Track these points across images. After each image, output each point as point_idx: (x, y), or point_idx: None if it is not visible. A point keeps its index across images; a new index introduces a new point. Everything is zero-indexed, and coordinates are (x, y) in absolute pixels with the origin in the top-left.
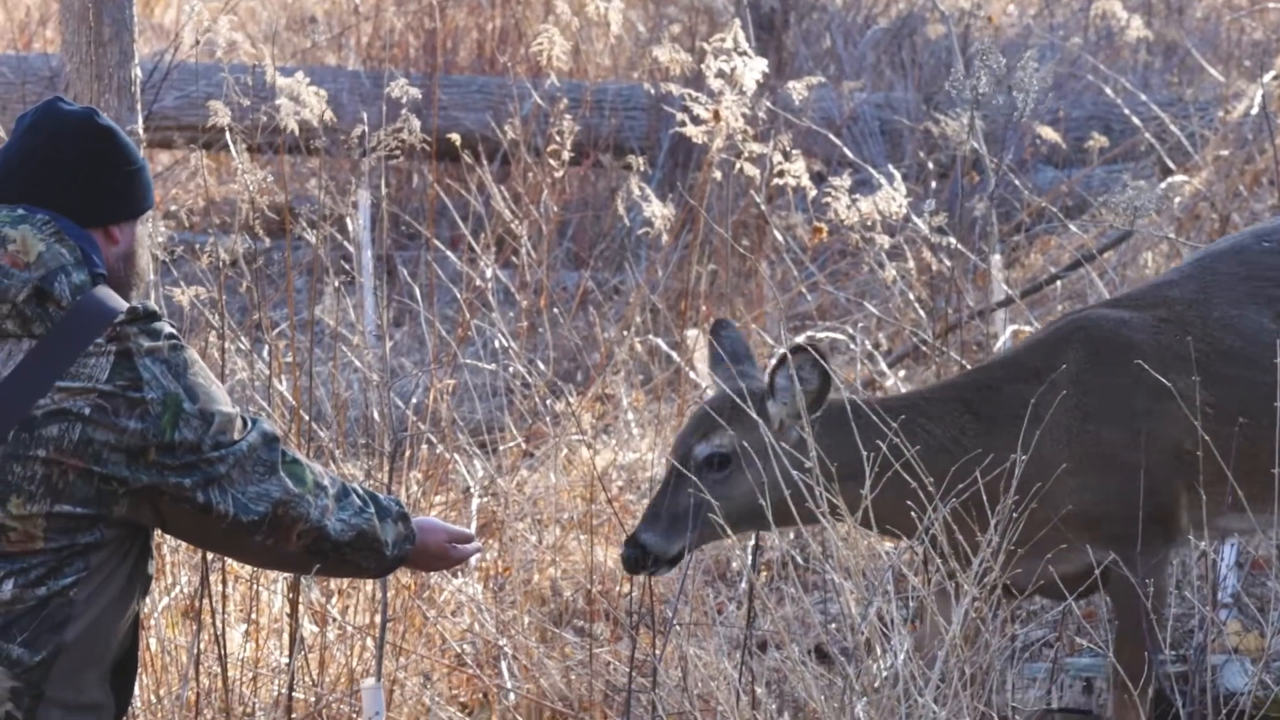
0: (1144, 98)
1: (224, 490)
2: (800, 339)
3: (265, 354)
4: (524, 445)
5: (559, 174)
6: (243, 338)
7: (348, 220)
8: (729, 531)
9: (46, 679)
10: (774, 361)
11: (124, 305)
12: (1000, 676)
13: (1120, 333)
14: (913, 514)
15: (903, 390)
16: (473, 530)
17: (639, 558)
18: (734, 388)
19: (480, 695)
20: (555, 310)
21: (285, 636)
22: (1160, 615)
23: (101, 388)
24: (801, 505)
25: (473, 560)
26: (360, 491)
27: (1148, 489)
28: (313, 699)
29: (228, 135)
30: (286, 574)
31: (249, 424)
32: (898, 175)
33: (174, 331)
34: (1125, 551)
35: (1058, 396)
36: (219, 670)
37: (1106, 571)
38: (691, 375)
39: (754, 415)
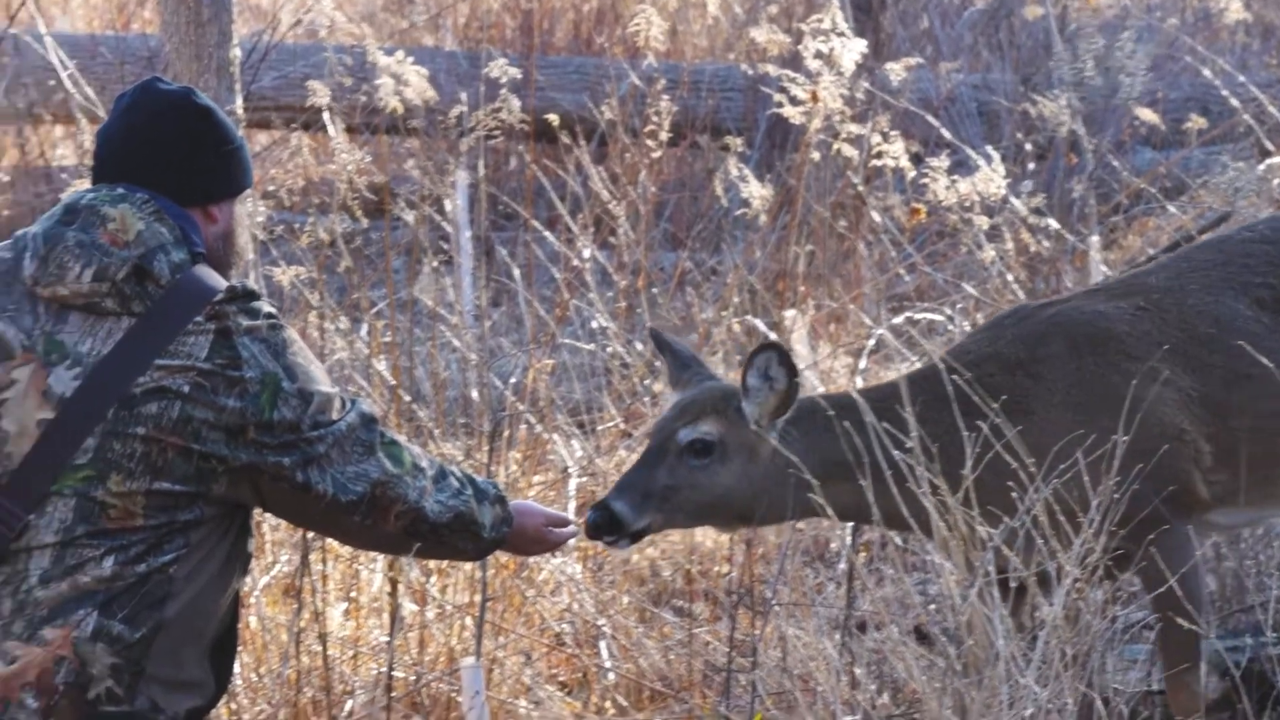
0: (1242, 79)
1: (323, 470)
2: (774, 337)
3: (364, 333)
4: (622, 425)
5: (656, 154)
6: (342, 317)
7: (445, 201)
8: (692, 521)
9: (146, 655)
10: (745, 362)
11: (223, 284)
12: (1100, 658)
13: (1097, 324)
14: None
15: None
16: (571, 511)
17: (604, 523)
18: (714, 385)
19: (579, 675)
20: (653, 291)
21: (385, 615)
22: (1195, 594)
23: (200, 366)
24: (771, 506)
25: (570, 543)
26: (458, 474)
27: (1154, 473)
28: (412, 678)
29: (326, 115)
30: (386, 554)
31: (348, 404)
32: (996, 156)
33: (273, 311)
34: (1143, 536)
35: (1044, 389)
36: (319, 649)
37: (1126, 560)
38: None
39: (738, 411)
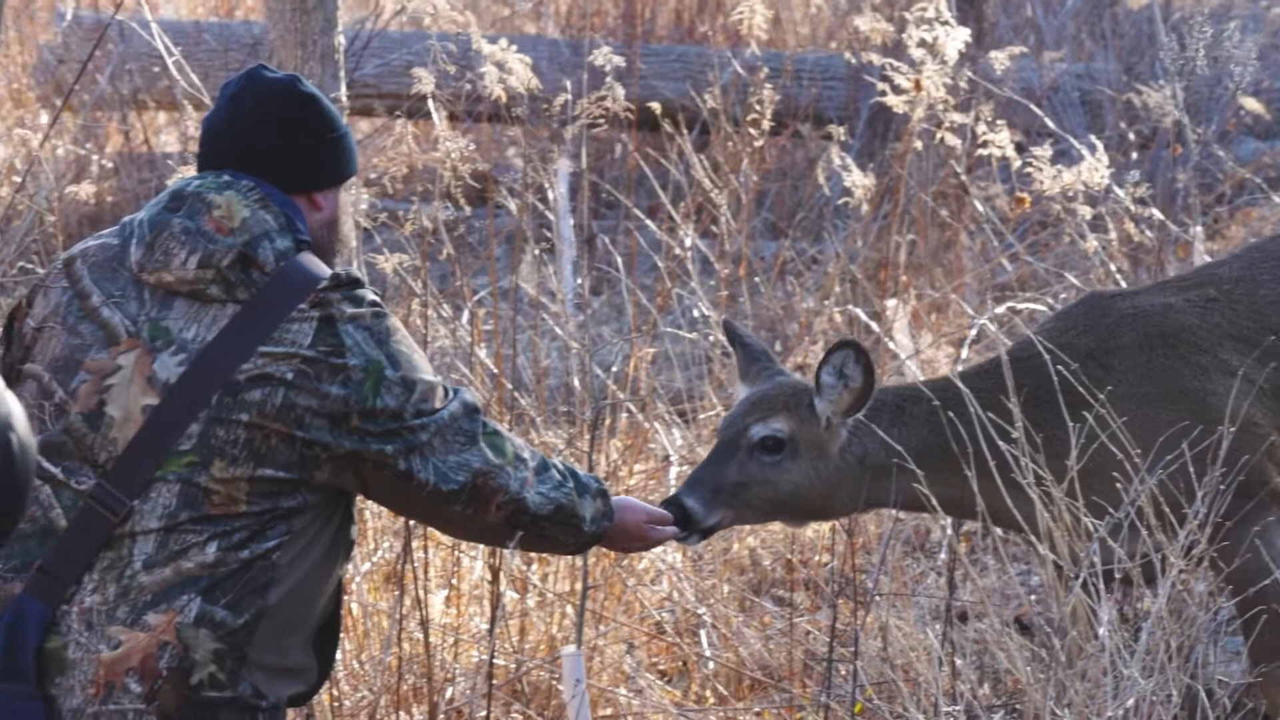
0: None
1: (425, 458)
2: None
3: (465, 321)
4: (723, 414)
5: (759, 143)
6: (444, 305)
7: (548, 189)
8: (761, 517)
9: (249, 641)
10: (821, 358)
11: (327, 271)
12: (1204, 650)
13: (1168, 316)
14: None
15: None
16: None
17: (677, 519)
18: (785, 381)
19: (679, 663)
20: (754, 279)
21: (486, 603)
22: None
23: (304, 353)
24: (840, 501)
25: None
26: (560, 466)
27: (1226, 466)
28: (513, 666)
29: (430, 103)
30: (486, 545)
31: (450, 394)
32: (1099, 146)
33: (377, 299)
34: (1219, 531)
35: (1114, 381)
36: (420, 636)
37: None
38: (891, 346)
39: (810, 408)
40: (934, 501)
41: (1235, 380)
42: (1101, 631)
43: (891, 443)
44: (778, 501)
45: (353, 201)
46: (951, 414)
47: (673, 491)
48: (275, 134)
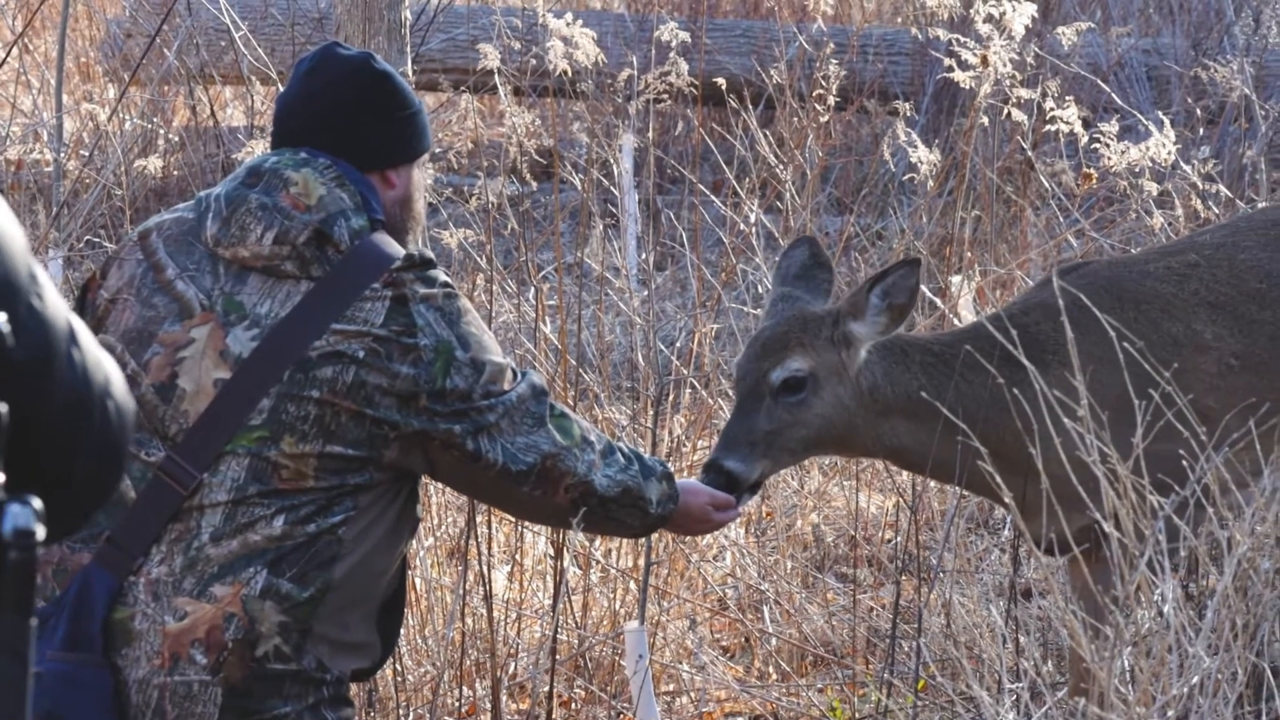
0: None
1: (493, 439)
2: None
3: (530, 297)
4: None
5: (824, 119)
6: (509, 281)
7: (612, 164)
8: (799, 457)
9: (314, 615)
10: (873, 277)
11: (401, 251)
12: (1270, 628)
13: (1143, 283)
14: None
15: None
16: None
17: (723, 484)
18: (791, 315)
19: (742, 639)
20: None
21: (549, 578)
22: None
23: (376, 332)
24: (862, 432)
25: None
26: (625, 449)
27: (1167, 436)
28: (576, 641)
29: (496, 78)
30: (551, 526)
31: (519, 376)
32: (1167, 122)
33: (449, 280)
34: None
35: (1084, 341)
36: (484, 611)
37: None
38: (956, 323)
39: (820, 335)
40: (912, 454)
41: (1204, 358)
42: (1167, 609)
43: (892, 381)
44: (810, 439)
45: (424, 178)
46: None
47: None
48: (349, 112)
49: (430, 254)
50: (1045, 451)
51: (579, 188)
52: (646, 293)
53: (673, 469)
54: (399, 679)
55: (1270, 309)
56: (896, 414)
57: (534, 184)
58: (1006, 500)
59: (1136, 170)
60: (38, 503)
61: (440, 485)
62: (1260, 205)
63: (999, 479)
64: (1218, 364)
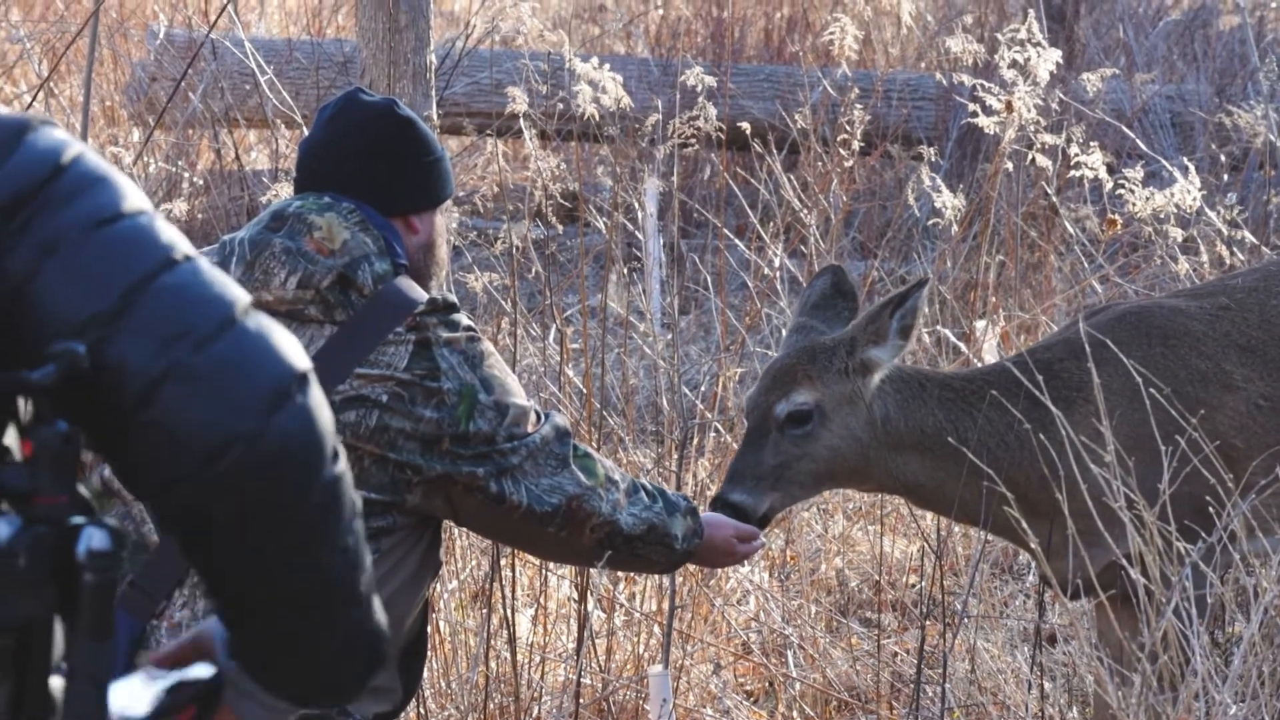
0: None
1: (517, 481)
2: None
3: (552, 339)
4: None
5: (848, 163)
6: (533, 324)
7: (637, 208)
8: (810, 491)
9: None
10: (891, 301)
11: (424, 295)
12: None
13: (1174, 319)
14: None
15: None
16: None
17: (732, 515)
18: (801, 347)
19: (766, 684)
20: None
21: (573, 622)
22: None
23: (399, 376)
24: (879, 464)
25: (757, 554)
26: (649, 486)
27: (1192, 479)
28: (600, 685)
29: (522, 122)
30: (577, 566)
31: (542, 418)
32: (1192, 168)
33: (471, 324)
34: (1193, 540)
35: (1105, 376)
36: (508, 654)
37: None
38: (980, 367)
39: (840, 367)
40: (927, 490)
41: (1232, 397)
42: (1195, 657)
43: (906, 413)
44: (820, 472)
45: (448, 223)
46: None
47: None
48: (373, 158)
49: (453, 298)
50: (1070, 491)
51: (604, 231)
52: (671, 336)
53: (697, 504)
54: None
55: None
56: (910, 448)
57: (559, 227)
58: (1032, 546)
59: (1161, 216)
60: (114, 524)
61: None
62: None
63: (1024, 524)
64: (1246, 404)
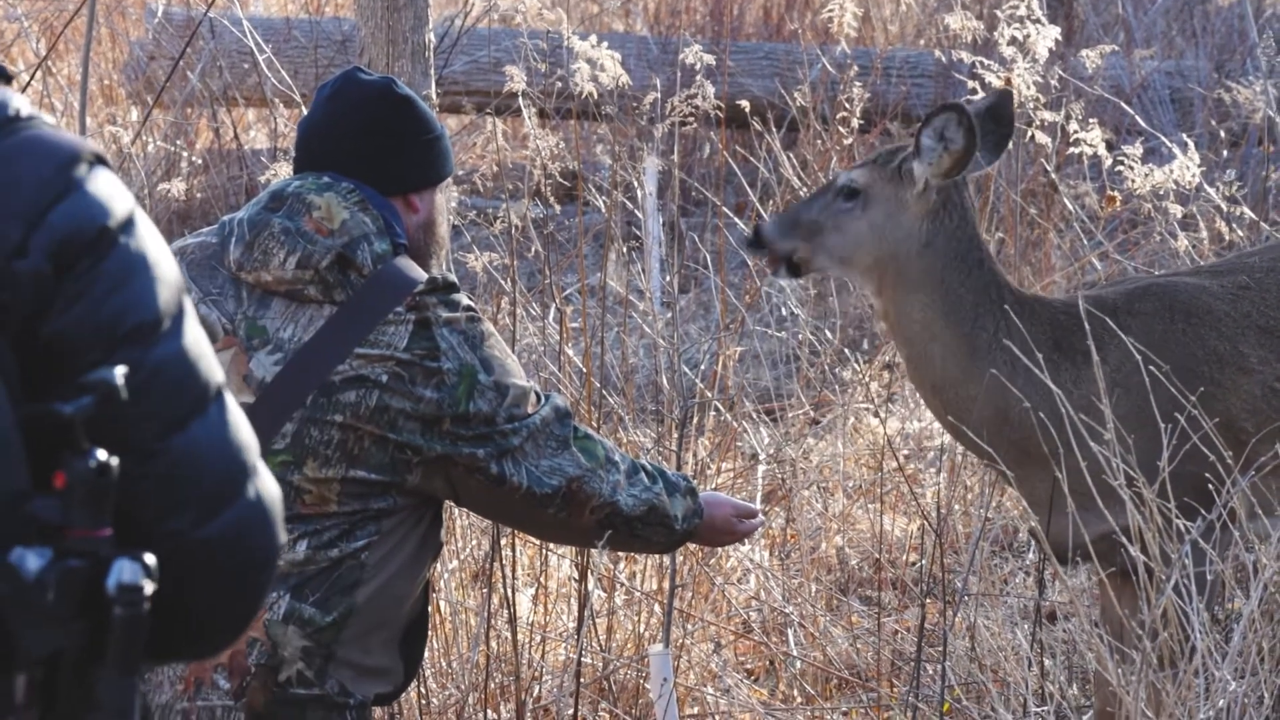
0: None
1: (517, 462)
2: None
3: (552, 318)
4: (811, 413)
5: (848, 141)
6: (533, 303)
7: (636, 186)
8: (834, 264)
9: (337, 640)
10: (923, 121)
11: (424, 275)
12: None
13: (1199, 296)
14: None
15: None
16: (758, 498)
17: (750, 238)
18: (905, 143)
19: (766, 662)
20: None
21: (573, 601)
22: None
23: (399, 356)
24: (901, 275)
25: (757, 532)
26: (648, 467)
27: (1195, 457)
28: (600, 664)
29: (521, 101)
30: (577, 546)
31: (542, 399)
32: (1191, 145)
33: (471, 304)
34: (1194, 518)
35: (1123, 338)
36: (508, 634)
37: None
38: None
39: (898, 168)
40: (915, 346)
41: (1247, 379)
42: (1194, 634)
43: (946, 262)
44: (843, 249)
45: (447, 202)
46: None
47: None
48: (372, 137)
49: (453, 278)
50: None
51: (603, 210)
52: (670, 315)
53: (696, 484)
54: (423, 702)
55: None
56: (924, 290)
57: (558, 207)
58: (983, 446)
59: (1160, 193)
60: (150, 558)
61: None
62: None
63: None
64: (1261, 387)
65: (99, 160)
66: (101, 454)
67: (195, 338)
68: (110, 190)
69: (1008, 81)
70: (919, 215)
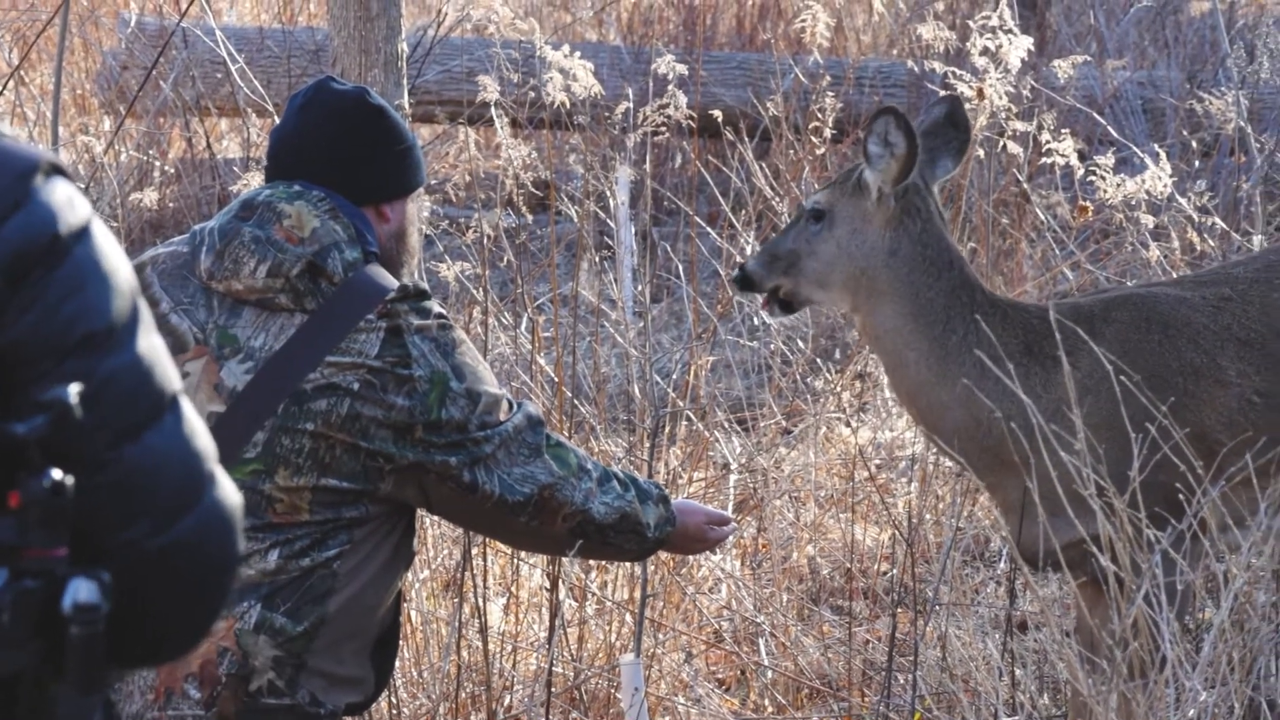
0: None
1: (490, 470)
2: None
3: (524, 328)
4: (783, 422)
5: (820, 151)
6: (505, 313)
7: (608, 196)
8: (815, 289)
9: (308, 649)
10: (865, 130)
11: (395, 283)
12: (1267, 662)
13: (1178, 309)
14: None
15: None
16: (730, 507)
17: (737, 279)
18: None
19: (737, 672)
20: None
21: (545, 611)
22: (1180, 610)
23: (371, 363)
24: (872, 289)
25: (729, 540)
26: (620, 475)
27: (1164, 467)
28: (571, 674)
29: (494, 110)
30: (549, 554)
31: (515, 406)
32: (1163, 155)
33: (443, 311)
34: (1165, 528)
35: (1099, 346)
36: (479, 643)
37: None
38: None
39: (856, 182)
40: (887, 346)
41: (1224, 392)
42: (1165, 644)
43: (912, 266)
44: (820, 273)
45: (419, 211)
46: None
47: None
48: (344, 146)
49: (424, 285)
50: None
51: (575, 220)
52: (642, 325)
53: (669, 492)
54: (394, 712)
55: None
56: (894, 297)
57: (530, 216)
58: (955, 455)
59: (1132, 203)
60: (106, 576)
61: (436, 517)
62: None
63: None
64: (1239, 400)
65: (56, 170)
66: (57, 473)
67: (149, 346)
68: (65, 200)
69: (979, 92)
70: (882, 225)
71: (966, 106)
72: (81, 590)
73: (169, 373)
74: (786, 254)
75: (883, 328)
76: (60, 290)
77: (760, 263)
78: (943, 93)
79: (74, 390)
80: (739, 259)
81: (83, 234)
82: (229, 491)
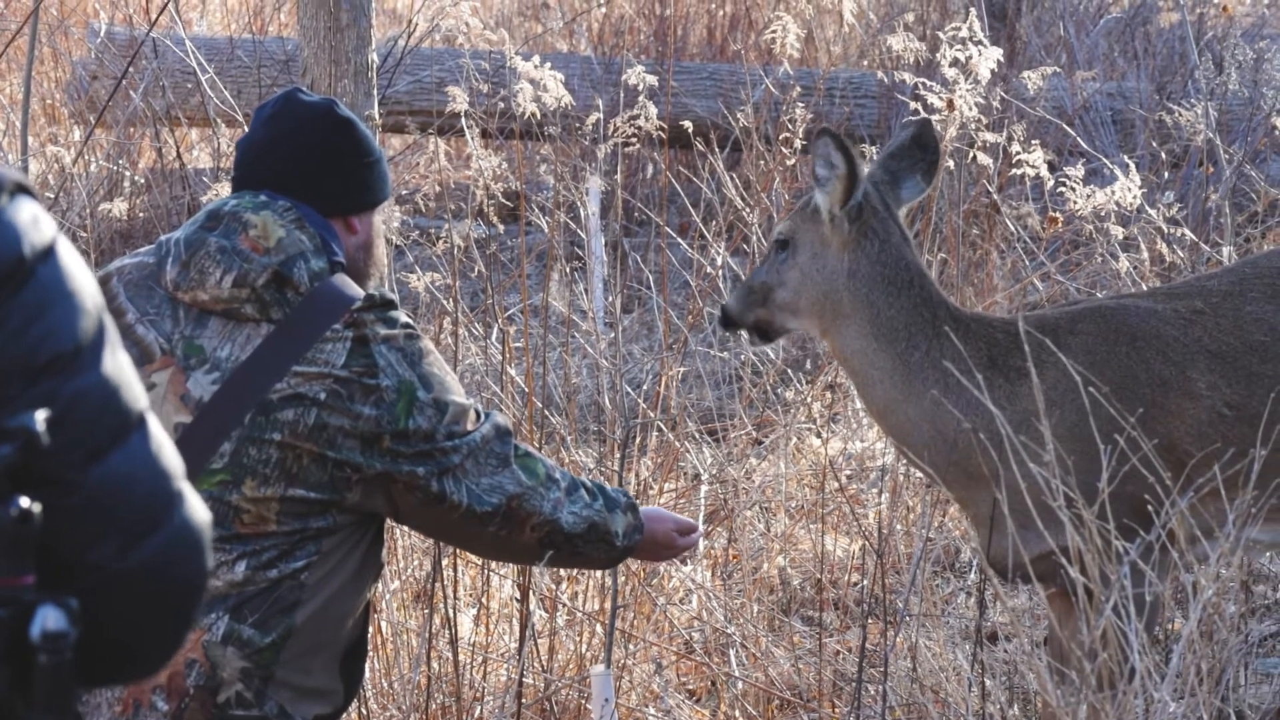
0: None
1: (458, 480)
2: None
3: (494, 338)
4: (753, 433)
5: (791, 161)
6: (475, 323)
7: (579, 206)
8: (789, 317)
9: (276, 661)
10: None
11: (361, 292)
12: (1235, 673)
13: (1147, 320)
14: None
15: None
16: (701, 518)
17: (720, 317)
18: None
19: (708, 683)
20: None
21: (515, 622)
22: (1149, 622)
23: (337, 373)
24: (839, 312)
25: (700, 547)
26: (588, 484)
27: (1133, 478)
28: (542, 685)
29: (464, 121)
30: (518, 564)
31: (482, 416)
32: (1132, 166)
33: (410, 320)
34: (1131, 539)
35: (1066, 357)
36: (449, 654)
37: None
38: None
39: (812, 208)
40: (855, 366)
41: (1193, 405)
42: (1133, 655)
43: (872, 285)
44: (790, 301)
45: (385, 221)
46: (941, 328)
47: None
48: (312, 158)
49: (391, 295)
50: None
51: (546, 230)
52: (613, 335)
53: (637, 501)
54: None
55: (1272, 363)
56: (856, 318)
57: (501, 227)
58: (927, 469)
59: (1102, 214)
60: (74, 603)
61: (405, 528)
62: (1267, 250)
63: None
64: (1209, 413)
65: (21, 189)
66: (24, 501)
67: (116, 365)
68: (29, 220)
69: (949, 103)
70: (839, 248)
71: (936, 118)
72: (50, 618)
73: (135, 391)
74: (760, 287)
75: (849, 349)
76: (26, 313)
77: (737, 299)
78: (913, 104)
79: (40, 417)
80: (719, 300)
81: (48, 254)
82: (197, 510)
